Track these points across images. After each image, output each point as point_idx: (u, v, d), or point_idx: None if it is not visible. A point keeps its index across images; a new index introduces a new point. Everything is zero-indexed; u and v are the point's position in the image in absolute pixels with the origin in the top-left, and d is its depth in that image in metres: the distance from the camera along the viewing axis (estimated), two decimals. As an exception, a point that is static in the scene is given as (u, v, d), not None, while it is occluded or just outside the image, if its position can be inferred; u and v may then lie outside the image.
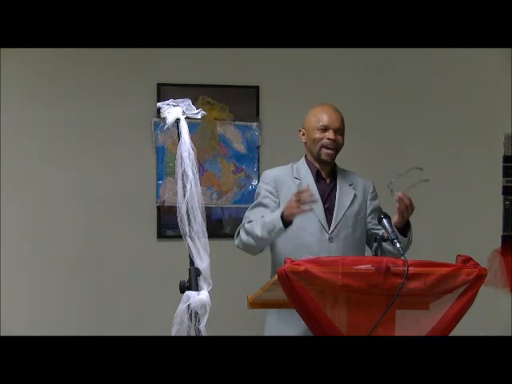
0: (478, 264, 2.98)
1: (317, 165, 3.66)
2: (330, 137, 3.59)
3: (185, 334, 2.76)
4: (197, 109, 2.94)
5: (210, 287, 2.81)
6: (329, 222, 3.58)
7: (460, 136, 5.27)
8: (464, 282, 2.94)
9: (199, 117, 2.95)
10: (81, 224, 5.03)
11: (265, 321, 3.64)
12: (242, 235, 3.55)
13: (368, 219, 3.69)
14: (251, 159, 5.23)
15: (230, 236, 5.07)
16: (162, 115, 2.90)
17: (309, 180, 3.62)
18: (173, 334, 2.77)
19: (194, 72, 5.16)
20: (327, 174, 3.67)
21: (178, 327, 2.77)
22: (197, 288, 2.79)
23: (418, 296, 2.94)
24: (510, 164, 5.24)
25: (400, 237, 3.41)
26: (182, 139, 2.86)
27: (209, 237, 2.87)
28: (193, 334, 2.76)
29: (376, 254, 3.54)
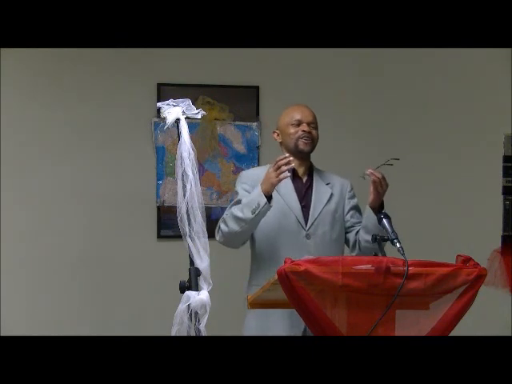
0: (478, 264, 2.98)
1: (293, 163, 3.66)
2: (305, 129, 3.64)
3: (185, 333, 2.76)
4: (197, 109, 2.94)
5: (210, 287, 2.81)
6: (306, 220, 3.60)
7: (460, 136, 5.27)
8: (464, 282, 2.94)
9: (199, 117, 2.95)
10: (81, 224, 5.03)
11: (244, 321, 3.65)
12: (223, 227, 3.55)
13: (346, 217, 3.70)
14: (251, 159, 5.23)
15: (230, 236, 5.11)
16: (162, 115, 2.90)
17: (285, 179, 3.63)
18: (173, 334, 2.77)
19: (194, 72, 5.16)
20: (303, 173, 3.70)
21: (178, 327, 2.77)
22: (197, 288, 2.79)
23: (418, 296, 2.94)
24: (510, 164, 5.24)
25: (373, 218, 3.43)
26: (181, 139, 2.86)
27: (209, 237, 2.87)
28: (193, 333, 2.76)
29: (354, 249, 3.58)
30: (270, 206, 3.44)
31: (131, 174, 5.10)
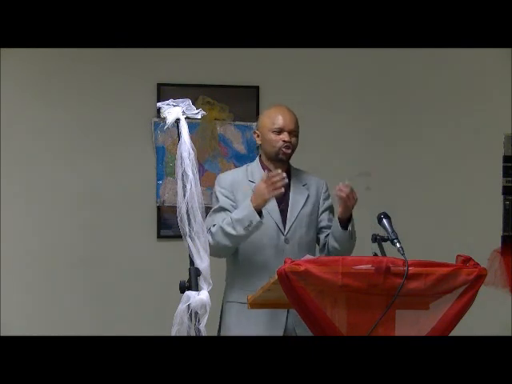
0: (478, 264, 2.98)
1: (271, 166, 3.64)
2: (285, 139, 3.60)
3: (185, 334, 2.76)
4: (197, 109, 2.94)
5: (210, 287, 2.81)
6: (284, 223, 3.59)
7: (460, 136, 5.27)
8: (464, 282, 2.94)
9: (199, 117, 2.95)
10: (81, 224, 5.03)
11: (222, 319, 3.63)
12: (210, 239, 3.42)
13: (320, 218, 3.69)
14: (251, 159, 5.16)
15: (230, 236, 5.11)
16: (162, 115, 2.90)
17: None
18: (173, 334, 2.77)
19: (194, 72, 5.16)
20: None
21: (178, 327, 2.77)
22: (197, 288, 2.79)
23: (418, 296, 2.94)
24: (510, 164, 5.23)
25: (340, 230, 3.43)
26: (181, 139, 2.86)
27: (209, 237, 2.87)
28: (193, 334, 2.76)
29: (322, 250, 3.57)
30: (262, 223, 3.43)
31: (131, 174, 5.10)
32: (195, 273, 2.80)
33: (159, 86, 5.11)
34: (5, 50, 4.57)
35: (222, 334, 3.59)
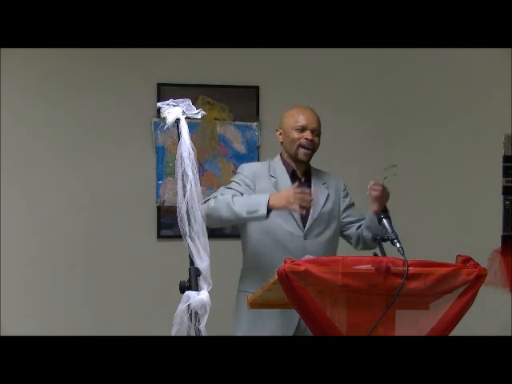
0: (478, 264, 2.98)
1: (292, 164, 3.69)
2: (308, 137, 3.63)
3: (185, 334, 2.76)
4: (197, 109, 2.94)
5: (210, 287, 2.81)
6: (304, 220, 3.61)
7: (460, 136, 5.27)
8: (464, 282, 2.94)
9: (199, 117, 2.95)
10: (81, 224, 5.03)
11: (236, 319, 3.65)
12: (211, 202, 3.48)
13: (343, 215, 3.73)
14: (251, 159, 5.22)
15: (230, 236, 5.09)
16: (162, 115, 2.90)
17: (284, 179, 3.65)
18: (173, 334, 2.77)
19: (194, 72, 5.16)
20: (302, 174, 3.71)
21: (178, 327, 2.77)
22: (197, 288, 2.79)
23: (418, 296, 2.94)
24: (510, 164, 5.23)
25: (378, 225, 3.44)
26: (182, 139, 2.86)
27: (209, 237, 2.86)
28: (193, 334, 2.76)
29: (358, 244, 3.59)
30: (265, 219, 3.42)
31: (131, 174, 5.10)
32: (195, 273, 2.80)
33: (159, 85, 5.11)
34: (5, 50, 4.57)
35: (235, 322, 3.62)
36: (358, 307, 2.91)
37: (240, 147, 5.23)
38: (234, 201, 3.47)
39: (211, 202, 3.50)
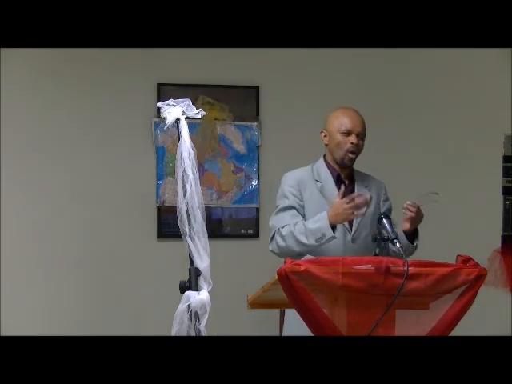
0: (478, 264, 2.98)
1: (336, 167, 3.69)
2: (354, 141, 3.63)
3: (185, 334, 2.76)
4: (197, 109, 2.94)
5: (210, 287, 2.81)
6: (350, 224, 3.62)
7: (460, 136, 5.27)
8: (464, 281, 2.94)
9: (199, 117, 2.95)
10: (81, 224, 5.03)
11: (284, 319, 3.65)
12: (279, 240, 3.55)
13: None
14: (251, 159, 5.23)
15: (230, 236, 5.11)
16: (162, 115, 2.90)
17: (329, 183, 3.66)
18: (173, 333, 2.77)
19: (193, 72, 5.16)
20: (346, 177, 3.71)
21: (178, 327, 2.77)
22: (197, 288, 2.79)
23: (418, 296, 2.94)
24: (510, 164, 5.24)
25: (407, 243, 3.47)
26: (181, 139, 2.86)
27: (209, 237, 2.86)
28: (193, 334, 2.76)
29: (383, 249, 3.58)
30: (335, 237, 3.46)
31: (131, 174, 5.10)
32: (195, 273, 2.80)
33: (159, 85, 5.11)
34: (5, 50, 4.57)
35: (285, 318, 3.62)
36: (357, 307, 2.90)
37: (240, 147, 5.23)
38: (299, 232, 3.50)
39: (279, 241, 3.55)
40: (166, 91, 5.03)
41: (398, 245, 3.23)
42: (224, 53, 4.84)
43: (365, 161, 5.12)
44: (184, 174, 2.82)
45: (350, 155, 3.64)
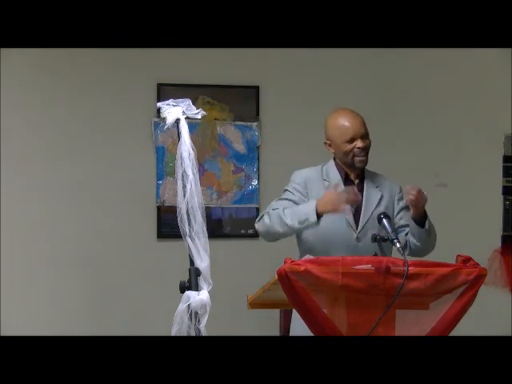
0: (477, 264, 2.98)
1: (346, 168, 3.67)
2: (360, 145, 3.59)
3: (185, 334, 2.76)
4: (197, 109, 2.94)
5: (210, 287, 2.81)
6: (356, 223, 3.59)
7: (460, 136, 5.27)
8: (464, 281, 2.94)
9: (199, 117, 2.95)
10: (80, 224, 5.03)
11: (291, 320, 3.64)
12: (266, 219, 3.54)
13: (396, 219, 3.68)
14: (251, 159, 5.23)
15: (230, 236, 5.11)
16: (162, 115, 2.90)
17: (337, 182, 3.62)
18: (173, 333, 2.77)
19: (194, 72, 5.15)
20: (355, 177, 3.68)
21: (178, 327, 2.77)
22: (197, 288, 2.79)
23: (417, 296, 2.94)
24: (510, 164, 5.24)
25: (418, 228, 3.46)
26: (181, 139, 2.86)
27: (209, 237, 2.87)
28: (193, 334, 2.76)
29: (405, 249, 3.54)
30: (318, 224, 3.44)
31: (131, 174, 5.10)
32: (195, 273, 2.81)
33: (159, 85, 5.11)
34: (5, 50, 4.57)
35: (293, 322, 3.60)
36: (357, 307, 2.91)
37: (240, 147, 5.23)
38: (285, 214, 3.49)
39: (266, 219, 3.54)
40: (165, 91, 5.03)
41: (397, 245, 3.23)
42: (224, 53, 4.84)
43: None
44: (184, 174, 2.82)
45: (360, 158, 3.61)
